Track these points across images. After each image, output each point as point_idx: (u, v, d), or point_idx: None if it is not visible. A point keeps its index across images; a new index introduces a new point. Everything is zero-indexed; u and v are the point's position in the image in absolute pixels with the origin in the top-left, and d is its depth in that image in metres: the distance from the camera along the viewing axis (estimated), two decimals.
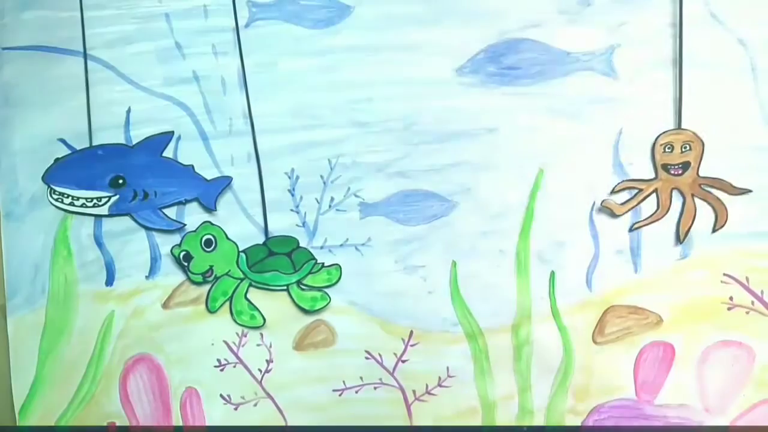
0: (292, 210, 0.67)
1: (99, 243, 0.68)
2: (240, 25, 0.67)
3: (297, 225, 0.67)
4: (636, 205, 0.64)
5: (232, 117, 0.67)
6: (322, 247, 0.67)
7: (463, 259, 0.67)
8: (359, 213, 0.67)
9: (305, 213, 0.67)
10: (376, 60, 0.66)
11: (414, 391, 0.68)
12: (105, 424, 0.69)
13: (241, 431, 0.68)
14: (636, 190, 0.64)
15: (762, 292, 0.66)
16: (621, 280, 0.66)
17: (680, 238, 0.64)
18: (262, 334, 0.68)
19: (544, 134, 0.66)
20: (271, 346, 0.68)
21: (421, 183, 0.67)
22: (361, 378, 0.68)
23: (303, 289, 0.67)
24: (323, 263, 0.67)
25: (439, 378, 0.67)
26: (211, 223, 0.67)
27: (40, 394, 0.69)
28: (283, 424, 0.68)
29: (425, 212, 0.67)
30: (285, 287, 0.67)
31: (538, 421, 0.67)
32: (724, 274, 0.66)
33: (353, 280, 0.67)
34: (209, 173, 0.68)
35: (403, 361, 0.67)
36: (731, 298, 0.66)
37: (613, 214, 0.64)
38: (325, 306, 0.67)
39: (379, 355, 0.67)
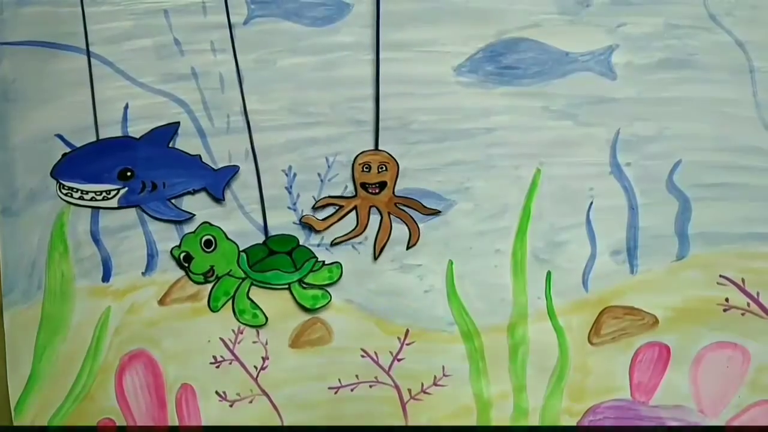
0: (289, 207, 0.67)
1: (96, 239, 0.68)
2: (238, 23, 0.67)
3: (294, 223, 0.67)
4: (337, 221, 0.66)
5: (230, 114, 0.67)
6: (319, 245, 0.67)
7: (460, 258, 0.67)
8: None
9: (302, 211, 0.67)
10: (374, 58, 0.66)
11: (409, 390, 0.68)
12: (101, 419, 0.69)
13: (237, 431, 0.68)
14: (337, 207, 0.66)
15: (758, 293, 0.66)
16: (617, 280, 0.66)
17: (375, 254, 0.66)
18: (258, 332, 0.68)
19: (541, 134, 0.66)
20: (267, 344, 0.68)
21: (418, 182, 0.67)
22: (357, 376, 0.68)
23: (304, 288, 0.67)
24: (323, 261, 0.67)
25: (435, 377, 0.67)
26: (210, 224, 0.67)
27: (36, 390, 0.69)
28: (279, 421, 0.68)
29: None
30: (287, 286, 0.67)
31: (534, 421, 0.67)
32: (720, 276, 0.66)
33: (350, 278, 0.67)
34: None
35: (399, 360, 0.67)
36: (727, 300, 0.66)
37: (314, 230, 0.66)
38: (326, 304, 0.67)
39: (375, 353, 0.67)
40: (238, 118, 0.67)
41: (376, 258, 0.66)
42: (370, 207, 0.66)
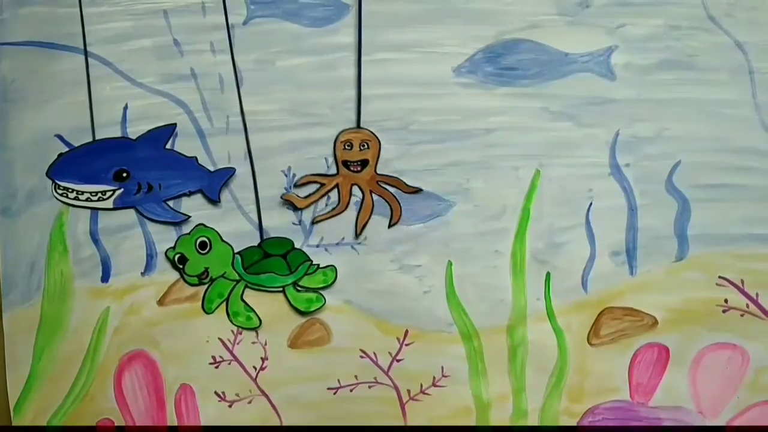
0: (288, 208, 0.67)
1: (95, 239, 0.68)
2: (238, 23, 0.67)
3: (293, 223, 0.67)
4: (318, 199, 0.66)
5: (229, 115, 0.67)
6: (318, 246, 0.67)
7: (459, 259, 0.67)
8: (355, 212, 0.67)
9: (301, 211, 0.67)
10: (374, 59, 0.66)
11: (408, 391, 0.68)
12: (100, 419, 0.69)
13: (235, 431, 0.68)
14: (319, 185, 0.66)
15: (757, 295, 0.66)
16: (617, 281, 0.66)
17: (357, 232, 0.66)
18: (257, 332, 0.68)
19: (541, 135, 0.66)
20: (266, 344, 0.68)
21: (417, 182, 0.67)
22: (356, 377, 0.68)
23: (299, 291, 0.67)
24: (318, 264, 0.67)
25: (434, 378, 0.67)
26: (206, 226, 0.67)
27: (35, 390, 0.69)
28: (278, 421, 0.68)
29: (421, 212, 0.67)
30: (281, 288, 0.67)
31: (533, 422, 0.67)
32: (720, 277, 0.66)
33: (349, 279, 0.67)
34: None
35: (398, 361, 0.67)
36: (726, 301, 0.66)
37: (296, 208, 0.66)
38: (320, 307, 0.67)
39: (374, 354, 0.67)
40: (238, 119, 0.67)
41: (357, 236, 0.66)
42: (352, 185, 0.66)
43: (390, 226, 0.66)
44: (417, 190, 0.66)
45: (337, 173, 0.66)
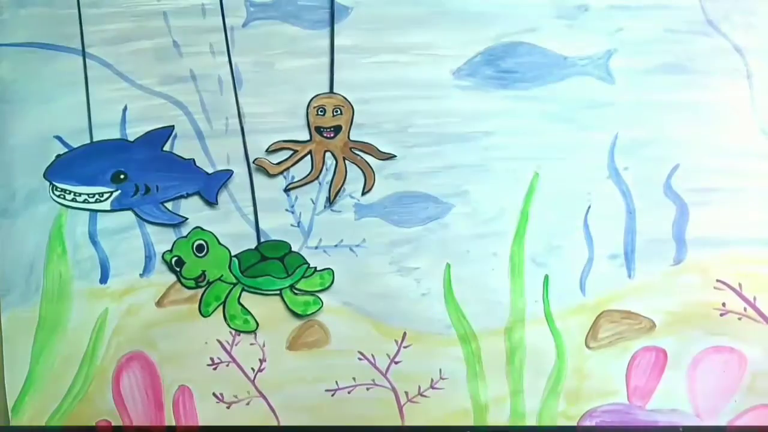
0: (287, 210, 0.67)
1: (94, 240, 0.68)
2: (237, 25, 0.67)
3: (292, 225, 0.67)
4: (291, 165, 0.66)
5: (228, 116, 0.67)
6: (316, 248, 0.67)
7: (458, 261, 0.67)
8: (354, 214, 0.67)
9: (300, 213, 0.67)
10: (373, 61, 0.66)
11: (406, 393, 0.68)
12: (99, 420, 0.69)
13: (233, 431, 0.68)
14: (291, 151, 0.66)
15: (755, 298, 0.66)
16: (615, 284, 0.66)
17: (330, 198, 0.66)
18: (255, 334, 0.68)
19: (539, 138, 0.66)
20: (264, 346, 0.68)
21: (416, 185, 0.67)
22: (354, 379, 0.68)
23: (296, 294, 0.67)
24: (315, 267, 0.67)
25: (432, 380, 0.68)
26: (203, 229, 0.67)
27: (33, 391, 0.69)
28: (276, 423, 0.68)
29: (420, 214, 0.67)
30: (278, 291, 0.67)
31: (530, 424, 0.67)
32: (717, 280, 0.66)
33: (347, 281, 0.67)
34: None
35: (396, 363, 0.67)
36: (724, 304, 0.66)
37: (268, 174, 0.66)
38: (317, 310, 0.67)
39: (372, 356, 0.67)
40: (237, 121, 0.67)
41: (331, 203, 0.66)
42: (325, 152, 0.66)
43: (363, 193, 0.66)
44: (390, 156, 0.65)
45: (310, 140, 0.66)
